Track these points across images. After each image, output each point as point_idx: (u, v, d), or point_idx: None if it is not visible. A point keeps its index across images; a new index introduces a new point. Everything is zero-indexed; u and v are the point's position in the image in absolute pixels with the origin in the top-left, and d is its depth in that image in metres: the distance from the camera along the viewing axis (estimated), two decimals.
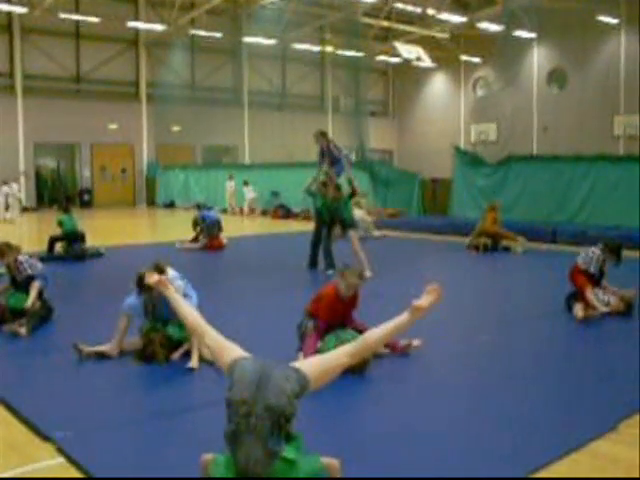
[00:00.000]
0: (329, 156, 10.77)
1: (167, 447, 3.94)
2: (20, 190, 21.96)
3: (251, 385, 2.95)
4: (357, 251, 10.26)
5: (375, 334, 3.31)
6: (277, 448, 2.92)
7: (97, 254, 12.42)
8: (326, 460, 3.11)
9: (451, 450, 3.83)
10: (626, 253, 11.73)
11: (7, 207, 21.79)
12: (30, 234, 18.69)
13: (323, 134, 10.97)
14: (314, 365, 3.23)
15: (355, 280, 5.46)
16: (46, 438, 4.00)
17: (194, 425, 4.24)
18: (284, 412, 2.92)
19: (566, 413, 4.36)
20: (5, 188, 22.02)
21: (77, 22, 29.02)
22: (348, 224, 10.50)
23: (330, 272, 10.32)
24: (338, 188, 10.46)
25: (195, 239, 14.13)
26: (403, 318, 3.29)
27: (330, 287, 5.57)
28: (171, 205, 28.75)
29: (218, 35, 31.40)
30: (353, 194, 10.66)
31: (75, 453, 3.78)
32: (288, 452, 2.95)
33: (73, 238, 12.36)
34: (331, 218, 10.53)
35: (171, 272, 5.83)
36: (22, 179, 27.01)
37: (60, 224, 12.48)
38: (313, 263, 10.83)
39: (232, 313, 7.31)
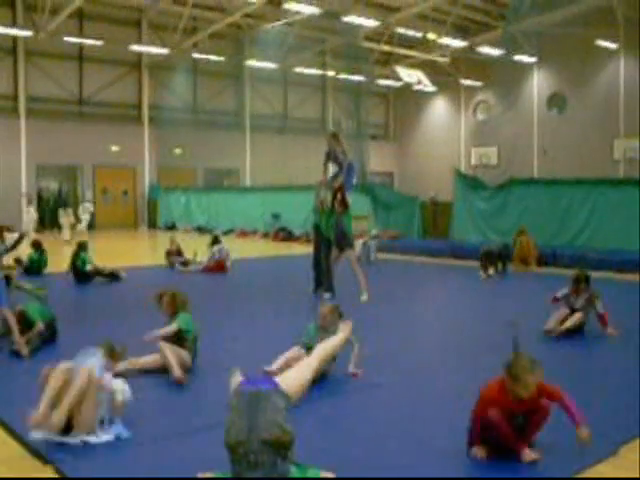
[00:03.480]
0: (334, 160, 10.48)
1: (166, 470, 3.92)
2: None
3: (242, 427, 3.06)
4: (356, 272, 10.15)
5: (330, 345, 4.21)
6: (284, 474, 3.03)
7: (115, 277, 12.42)
8: (324, 474, 3.28)
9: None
10: (626, 277, 11.83)
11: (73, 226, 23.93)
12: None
13: (334, 136, 10.80)
14: (294, 379, 3.47)
15: (530, 377, 3.96)
16: (45, 461, 3.99)
17: (195, 448, 4.22)
18: (281, 441, 3.02)
19: (568, 437, 4.33)
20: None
21: (81, 45, 29.31)
22: (347, 242, 10.23)
23: (327, 296, 10.23)
24: (344, 202, 10.21)
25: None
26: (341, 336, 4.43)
27: (494, 383, 4.11)
28: (172, 227, 28.78)
29: (220, 59, 31.67)
30: (345, 205, 10.28)
31: (74, 476, 3.77)
32: (294, 473, 3.08)
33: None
34: (331, 235, 10.27)
35: (96, 367, 4.47)
36: (24, 201, 27.07)
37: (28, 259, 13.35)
38: (319, 285, 10.52)
39: (236, 337, 7.31)
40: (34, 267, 13.12)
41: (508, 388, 3.95)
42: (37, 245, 13.62)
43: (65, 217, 23.81)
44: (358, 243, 15.15)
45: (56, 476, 3.87)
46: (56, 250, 15.49)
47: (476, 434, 4.05)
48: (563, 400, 4.02)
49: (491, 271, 13.20)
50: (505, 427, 3.93)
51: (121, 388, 4.47)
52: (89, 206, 26.49)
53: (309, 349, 5.47)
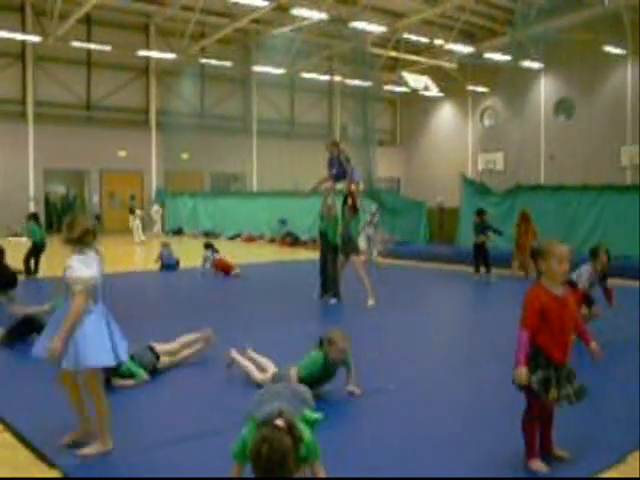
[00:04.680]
0: (337, 167, 10.46)
1: (168, 473, 3.93)
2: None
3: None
4: (361, 277, 10.10)
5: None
6: (299, 407, 3.49)
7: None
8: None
9: None
10: (631, 283, 11.78)
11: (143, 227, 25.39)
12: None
13: (335, 144, 10.78)
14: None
15: (559, 247, 3.93)
16: (52, 464, 4.00)
17: (198, 452, 4.22)
18: (304, 395, 3.80)
19: (577, 445, 4.32)
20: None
21: (89, 50, 29.44)
22: (352, 247, 10.16)
23: (333, 301, 10.23)
24: (354, 207, 10.18)
25: None
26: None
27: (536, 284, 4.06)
28: (179, 232, 28.83)
29: (228, 64, 31.76)
30: (355, 210, 10.28)
31: (75, 476, 3.79)
32: (309, 415, 3.48)
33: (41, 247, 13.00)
34: (337, 241, 10.25)
35: None
36: (31, 204, 27.19)
37: (31, 233, 13.19)
38: (326, 291, 10.46)
39: (237, 342, 7.31)
40: (40, 241, 13.04)
41: (543, 276, 3.99)
42: (34, 217, 13.72)
43: (135, 220, 24.72)
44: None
45: (59, 476, 3.88)
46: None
47: (525, 353, 3.95)
48: (582, 326, 4.31)
49: (482, 271, 13.30)
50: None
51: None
52: (158, 209, 28.34)
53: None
